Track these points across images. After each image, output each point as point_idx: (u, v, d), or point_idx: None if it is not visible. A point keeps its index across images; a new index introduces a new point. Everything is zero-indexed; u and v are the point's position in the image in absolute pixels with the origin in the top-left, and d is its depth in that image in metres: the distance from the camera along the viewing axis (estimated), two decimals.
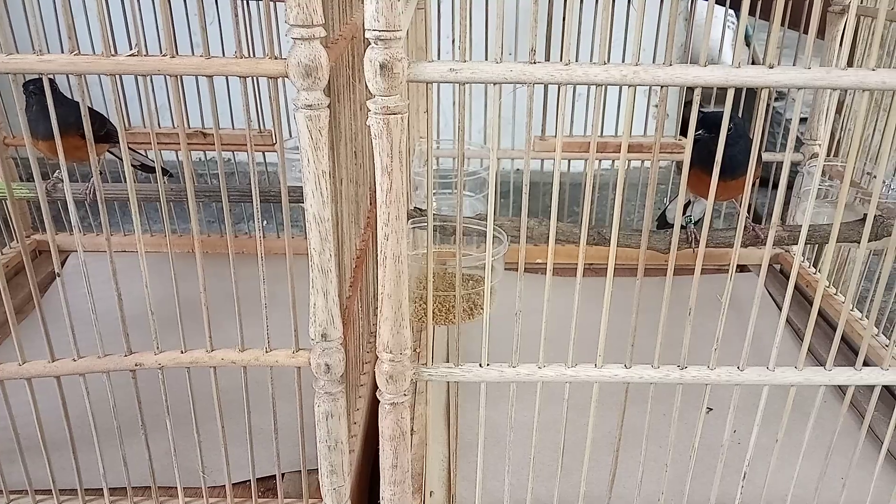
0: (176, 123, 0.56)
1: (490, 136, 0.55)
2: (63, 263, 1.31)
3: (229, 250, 0.62)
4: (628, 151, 1.19)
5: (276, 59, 0.54)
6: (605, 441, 0.79)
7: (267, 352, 0.65)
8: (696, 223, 0.93)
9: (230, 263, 0.62)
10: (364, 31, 0.50)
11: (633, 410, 0.64)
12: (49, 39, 0.96)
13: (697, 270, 0.60)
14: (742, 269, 1.31)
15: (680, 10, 1.74)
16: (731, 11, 2.39)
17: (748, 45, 2.55)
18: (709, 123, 0.81)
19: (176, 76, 0.54)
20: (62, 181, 1.07)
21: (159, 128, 1.29)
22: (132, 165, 1.16)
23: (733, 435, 0.84)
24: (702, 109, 0.88)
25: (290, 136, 1.26)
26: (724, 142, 0.55)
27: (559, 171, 0.56)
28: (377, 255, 0.58)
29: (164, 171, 1.23)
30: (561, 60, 0.52)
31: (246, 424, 0.68)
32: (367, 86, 0.52)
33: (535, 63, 0.51)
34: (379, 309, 0.59)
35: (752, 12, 1.37)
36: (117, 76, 0.54)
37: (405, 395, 0.62)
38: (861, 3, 1.13)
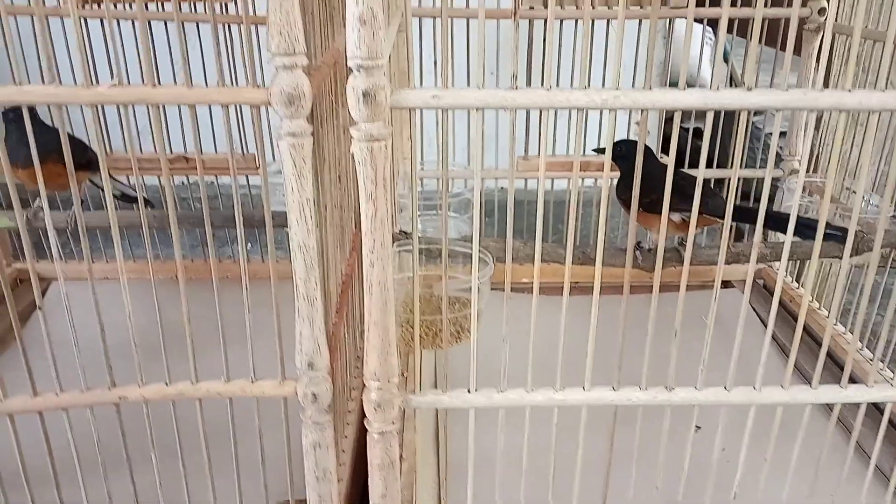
0: (158, 151, 0.56)
1: (473, 158, 0.55)
2: (44, 292, 1.30)
3: (213, 278, 0.61)
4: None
5: (258, 87, 0.53)
6: (595, 462, 0.78)
7: (253, 382, 0.64)
8: (681, 242, 0.94)
9: (214, 291, 0.61)
10: (346, 58, 0.50)
11: (621, 430, 0.64)
12: (28, 65, 0.95)
13: (682, 290, 0.60)
14: (725, 284, 1.32)
15: (658, 27, 1.76)
16: (709, 28, 2.42)
17: (726, 61, 2.58)
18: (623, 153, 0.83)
19: (158, 105, 0.54)
20: (43, 209, 1.07)
21: (141, 153, 1.28)
22: (113, 196, 1.15)
23: (722, 453, 0.84)
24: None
25: (274, 160, 1.26)
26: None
27: (543, 193, 0.57)
28: (363, 282, 0.57)
29: (146, 202, 1.22)
30: (542, 85, 0.52)
31: (232, 455, 0.67)
32: (349, 112, 0.52)
33: (516, 89, 0.52)
34: (366, 336, 0.59)
35: (729, 30, 1.39)
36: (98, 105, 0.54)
37: (393, 423, 0.62)
38: (836, 21, 1.15)
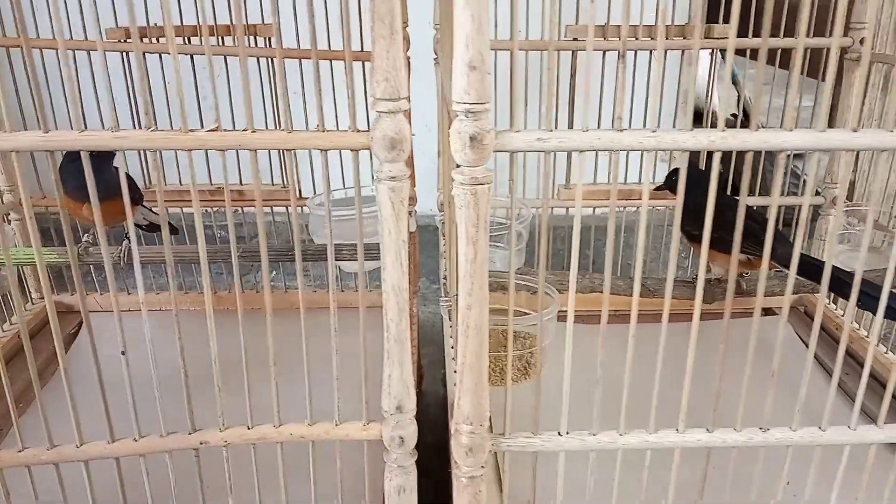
0: (256, 195, 0.55)
1: (576, 198, 0.55)
2: (80, 325, 1.29)
3: (301, 313, 0.60)
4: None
5: (359, 131, 0.53)
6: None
7: (336, 425, 0.63)
8: (742, 275, 0.93)
9: (301, 326, 0.60)
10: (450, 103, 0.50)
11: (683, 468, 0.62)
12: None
13: (781, 332, 0.59)
14: (767, 312, 1.31)
15: (681, 56, 1.77)
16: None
17: (735, 83, 2.59)
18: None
19: (255, 150, 0.53)
20: (92, 244, 1.06)
21: (180, 185, 1.27)
22: (138, 226, 1.13)
23: (788, 488, 0.83)
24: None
25: (315, 192, 1.25)
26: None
27: (645, 224, 0.56)
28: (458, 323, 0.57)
29: (173, 230, 1.21)
30: (644, 127, 0.52)
31: (312, 497, 0.65)
32: (452, 156, 0.51)
33: (622, 130, 0.51)
34: (459, 379, 0.58)
35: (770, 61, 1.39)
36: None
37: (483, 467, 0.60)
38: (873, 49, 1.15)
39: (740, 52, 1.21)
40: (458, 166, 0.52)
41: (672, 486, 0.62)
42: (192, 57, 1.12)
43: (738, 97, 2.60)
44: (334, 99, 1.06)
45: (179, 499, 0.65)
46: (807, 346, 1.18)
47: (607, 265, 0.57)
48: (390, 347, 0.59)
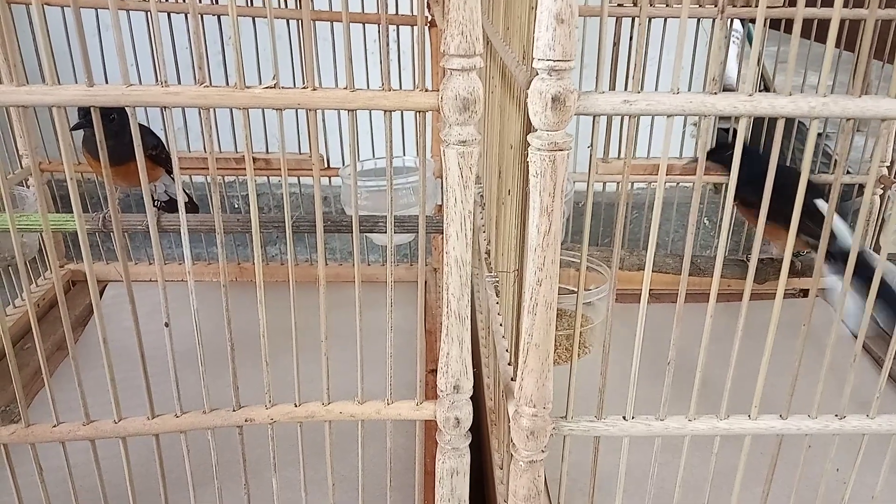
0: (314, 160, 0.51)
1: (661, 165, 0.51)
2: (100, 295, 1.26)
3: (356, 285, 0.57)
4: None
5: (427, 91, 0.49)
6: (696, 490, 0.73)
7: (389, 404, 0.60)
8: (797, 254, 0.90)
9: (357, 300, 0.56)
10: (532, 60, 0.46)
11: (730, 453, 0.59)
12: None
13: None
14: (806, 293, 1.27)
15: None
16: (735, 27, 2.33)
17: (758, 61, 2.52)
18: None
19: (315, 110, 0.49)
20: (119, 211, 1.02)
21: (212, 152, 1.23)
22: (157, 202, 1.08)
23: (837, 474, 0.80)
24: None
25: (344, 163, 1.21)
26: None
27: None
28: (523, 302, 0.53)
29: (194, 207, 1.17)
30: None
31: (359, 478, 0.63)
32: (530, 119, 0.47)
33: (715, 94, 0.47)
34: (523, 359, 0.54)
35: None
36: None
37: (543, 451, 0.57)
38: None
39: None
40: (534, 130, 0.48)
41: (739, 473, 0.60)
42: (254, 20, 1.10)
43: (760, 74, 2.53)
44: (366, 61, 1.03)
45: (219, 476, 0.62)
46: (848, 327, 1.15)
47: (688, 246, 0.53)
48: (450, 323, 0.55)
